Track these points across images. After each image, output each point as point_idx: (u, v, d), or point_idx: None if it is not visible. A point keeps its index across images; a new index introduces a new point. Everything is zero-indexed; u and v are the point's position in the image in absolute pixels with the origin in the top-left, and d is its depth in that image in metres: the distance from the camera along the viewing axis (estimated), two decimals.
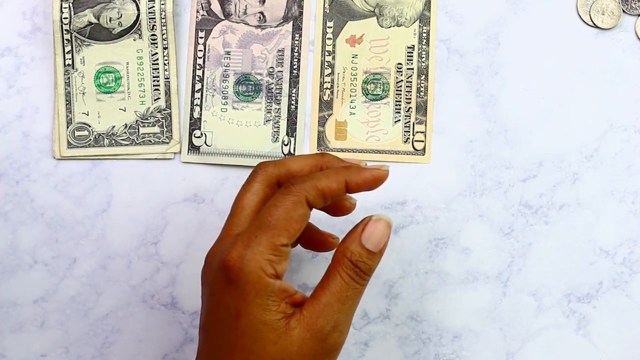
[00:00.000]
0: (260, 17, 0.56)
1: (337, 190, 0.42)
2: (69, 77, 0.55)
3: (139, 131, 0.56)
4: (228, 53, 0.56)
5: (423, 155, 0.56)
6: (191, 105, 0.56)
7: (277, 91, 0.56)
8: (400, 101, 0.56)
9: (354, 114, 0.56)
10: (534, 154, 0.56)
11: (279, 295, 0.40)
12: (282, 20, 0.56)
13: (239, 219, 0.44)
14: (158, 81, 0.56)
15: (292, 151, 0.56)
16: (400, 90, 0.56)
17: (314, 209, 0.43)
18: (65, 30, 0.55)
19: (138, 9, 0.55)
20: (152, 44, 0.56)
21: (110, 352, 0.55)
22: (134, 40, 0.55)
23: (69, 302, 0.55)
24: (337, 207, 0.47)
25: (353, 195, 0.47)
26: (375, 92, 0.56)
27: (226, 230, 0.44)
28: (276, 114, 0.56)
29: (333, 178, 0.42)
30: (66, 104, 0.55)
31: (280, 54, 0.56)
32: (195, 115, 0.56)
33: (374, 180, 0.43)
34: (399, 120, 0.56)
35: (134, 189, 0.56)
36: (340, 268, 0.41)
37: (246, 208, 0.44)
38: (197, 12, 0.56)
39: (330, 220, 0.53)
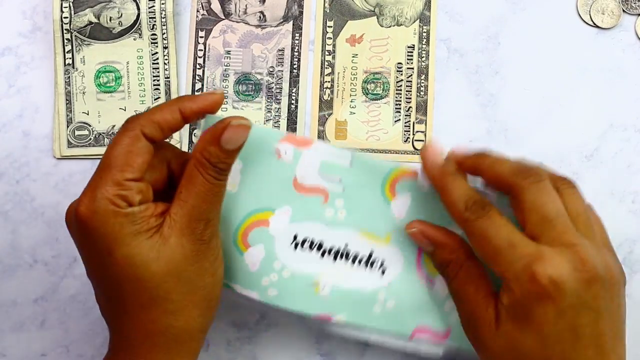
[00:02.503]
0: (260, 17, 0.56)
1: (173, 120, 0.43)
2: (69, 77, 0.56)
3: None
4: (228, 52, 0.56)
5: None
6: None
7: (277, 90, 0.56)
8: (400, 101, 0.56)
9: (354, 113, 0.56)
10: (534, 153, 0.56)
11: (143, 215, 0.41)
12: (282, 20, 0.56)
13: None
14: (158, 81, 0.56)
15: None
16: (401, 90, 0.56)
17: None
18: (66, 29, 0.55)
19: (138, 9, 0.55)
20: (152, 43, 0.56)
21: None
22: (134, 39, 0.55)
23: (69, 301, 0.55)
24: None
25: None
26: (375, 92, 0.56)
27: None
28: (276, 114, 0.56)
29: (167, 109, 0.43)
30: (66, 104, 0.55)
31: (280, 53, 0.56)
32: None
33: (210, 105, 0.44)
34: (399, 119, 0.56)
35: None
36: (201, 169, 0.42)
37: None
38: (197, 11, 0.56)
39: None
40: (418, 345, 0.46)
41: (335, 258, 0.46)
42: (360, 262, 0.46)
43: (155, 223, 0.42)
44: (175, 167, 0.45)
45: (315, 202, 0.45)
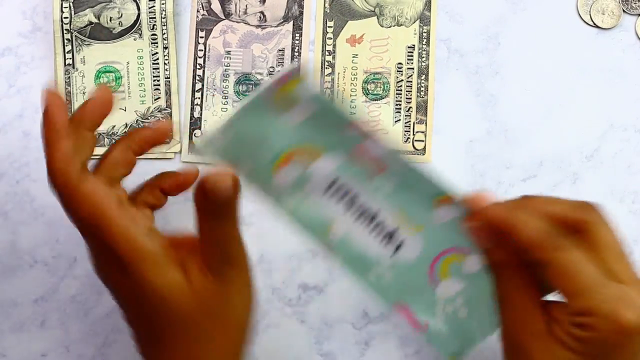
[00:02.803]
0: (260, 17, 0.56)
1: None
2: (69, 77, 0.56)
3: None
4: (228, 53, 0.56)
5: (423, 154, 0.56)
6: (191, 105, 0.56)
7: None
8: (400, 101, 0.56)
9: (354, 113, 0.56)
10: (534, 153, 0.56)
11: (164, 254, 0.42)
12: (282, 20, 0.56)
13: None
14: (158, 81, 0.56)
15: None
16: (401, 90, 0.56)
17: None
18: (66, 29, 0.55)
19: (138, 9, 0.55)
20: (152, 43, 0.56)
21: (111, 352, 0.55)
22: (135, 39, 0.55)
23: (69, 301, 0.55)
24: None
25: None
26: (375, 92, 0.56)
27: None
28: None
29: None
30: (66, 104, 0.55)
31: (280, 53, 0.56)
32: (196, 114, 0.56)
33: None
34: (399, 119, 0.56)
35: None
36: (199, 215, 0.42)
37: None
38: (198, 11, 0.56)
39: None
40: None
41: (359, 217, 0.45)
42: (381, 231, 0.45)
43: (175, 257, 0.42)
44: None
45: (369, 168, 0.44)
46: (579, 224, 0.41)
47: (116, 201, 0.42)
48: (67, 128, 0.42)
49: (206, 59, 0.56)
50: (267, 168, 0.43)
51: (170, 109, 0.56)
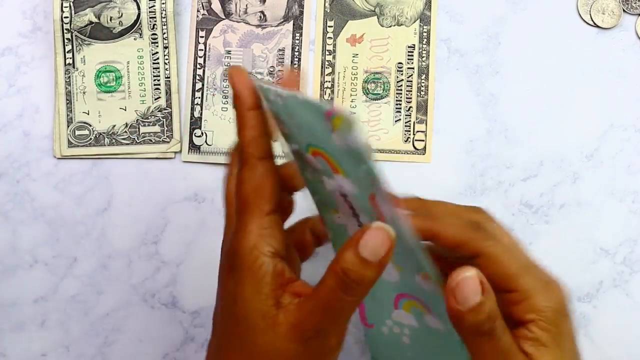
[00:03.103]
0: (260, 17, 0.56)
1: (262, 121, 0.41)
2: (69, 77, 0.55)
3: (139, 130, 0.56)
4: (229, 52, 0.56)
5: (423, 154, 0.56)
6: (192, 104, 0.56)
7: None
8: (400, 100, 0.56)
9: (355, 113, 0.56)
10: (535, 153, 0.56)
11: (273, 278, 0.39)
12: (282, 20, 0.56)
13: (228, 208, 0.43)
14: (159, 80, 0.56)
15: None
16: (401, 90, 0.56)
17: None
18: (66, 29, 0.55)
19: (139, 8, 0.55)
20: (152, 43, 0.56)
21: (111, 352, 0.55)
22: (135, 39, 0.55)
23: (69, 301, 0.55)
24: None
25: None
26: (375, 92, 0.56)
27: (226, 221, 0.43)
28: None
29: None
30: (67, 103, 0.55)
31: (280, 53, 0.56)
32: (196, 114, 0.56)
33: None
34: (400, 119, 0.56)
35: (134, 188, 0.56)
36: (330, 274, 0.38)
37: (231, 193, 0.43)
38: (198, 11, 0.56)
39: None
40: None
41: (358, 226, 0.44)
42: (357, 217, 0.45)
43: (279, 297, 0.39)
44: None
45: (374, 214, 0.44)
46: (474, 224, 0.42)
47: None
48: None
49: (206, 58, 0.56)
50: (304, 143, 0.43)
51: (171, 108, 0.56)
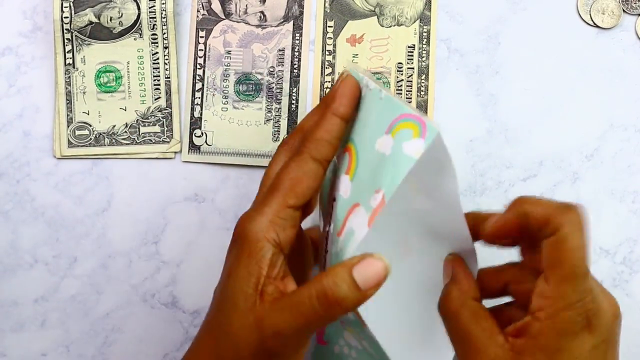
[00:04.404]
0: (260, 17, 0.56)
1: (340, 132, 0.41)
2: (69, 77, 0.56)
3: (139, 130, 0.56)
4: (229, 52, 0.56)
5: None
6: (192, 104, 0.56)
7: (278, 90, 0.56)
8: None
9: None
10: (535, 153, 0.56)
11: (267, 265, 0.39)
12: (282, 20, 0.56)
13: (262, 189, 0.43)
14: (159, 80, 0.56)
15: None
16: (401, 90, 0.56)
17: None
18: (66, 29, 0.55)
19: (139, 9, 0.55)
20: (152, 43, 0.56)
21: (111, 351, 0.55)
22: (135, 39, 0.55)
23: (69, 301, 0.55)
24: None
25: None
26: None
27: (253, 202, 0.43)
28: (277, 114, 0.56)
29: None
30: (67, 103, 0.55)
31: (280, 53, 0.56)
32: (196, 114, 0.56)
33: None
34: None
35: (134, 188, 0.56)
36: (315, 283, 0.38)
37: (271, 177, 0.43)
38: (198, 11, 0.56)
39: None
40: None
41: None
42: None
43: (265, 287, 0.39)
44: None
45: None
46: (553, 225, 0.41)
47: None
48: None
49: (206, 58, 0.56)
50: (348, 137, 0.43)
51: (171, 108, 0.56)
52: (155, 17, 0.55)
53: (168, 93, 0.56)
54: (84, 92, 0.56)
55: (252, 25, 0.56)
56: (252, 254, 0.39)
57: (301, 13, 0.56)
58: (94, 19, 0.55)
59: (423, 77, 0.56)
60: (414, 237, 0.44)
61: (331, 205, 0.43)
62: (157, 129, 0.56)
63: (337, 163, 0.44)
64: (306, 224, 0.47)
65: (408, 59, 0.56)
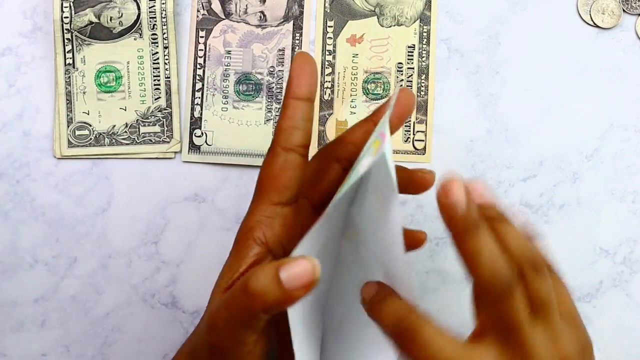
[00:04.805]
0: (260, 17, 0.56)
1: (305, 113, 0.40)
2: (69, 77, 0.56)
3: (139, 130, 0.56)
4: (229, 52, 0.56)
5: (423, 154, 0.56)
6: (192, 104, 0.56)
7: (278, 90, 0.56)
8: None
9: (355, 113, 0.56)
10: (534, 153, 0.56)
11: (248, 264, 0.39)
12: (282, 20, 0.56)
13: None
14: (159, 80, 0.56)
15: None
16: None
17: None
18: (66, 29, 0.55)
19: (139, 9, 0.55)
20: (152, 43, 0.56)
21: (111, 352, 0.55)
22: (135, 39, 0.55)
23: (69, 301, 0.55)
24: (410, 182, 0.44)
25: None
26: (375, 92, 0.56)
27: None
28: (277, 113, 0.56)
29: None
30: (67, 103, 0.55)
31: (280, 53, 0.56)
32: (196, 114, 0.56)
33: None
34: None
35: (134, 188, 0.56)
36: (244, 276, 0.38)
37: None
38: (198, 11, 0.56)
39: None
40: None
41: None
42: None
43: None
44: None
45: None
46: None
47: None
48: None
49: (206, 58, 0.56)
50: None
51: (171, 108, 0.56)
52: (155, 17, 0.55)
53: (168, 93, 0.56)
54: (84, 92, 0.56)
55: (252, 25, 0.56)
56: (239, 252, 0.40)
57: (301, 13, 0.56)
58: (94, 19, 0.55)
59: (423, 77, 0.56)
60: (348, 247, 0.44)
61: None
62: (157, 129, 0.56)
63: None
64: None
65: (408, 59, 0.56)
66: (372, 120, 0.44)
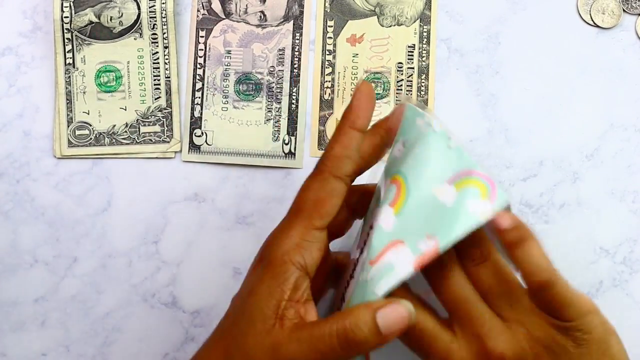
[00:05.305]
0: (261, 16, 0.56)
1: (359, 145, 0.41)
2: (69, 76, 0.56)
3: (139, 130, 0.56)
4: (229, 52, 0.56)
5: None
6: (192, 104, 0.56)
7: (278, 90, 0.56)
8: (400, 100, 0.56)
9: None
10: (535, 153, 0.56)
11: (290, 289, 0.39)
12: (282, 20, 0.56)
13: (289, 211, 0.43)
14: (159, 80, 0.56)
15: (292, 150, 0.56)
16: (401, 90, 0.56)
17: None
18: (66, 29, 0.55)
19: (139, 8, 0.55)
20: (152, 43, 0.56)
21: (111, 351, 0.55)
22: (135, 39, 0.55)
23: (69, 301, 0.55)
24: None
25: None
26: (375, 92, 0.56)
27: (279, 224, 0.43)
28: (277, 113, 0.56)
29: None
30: (67, 103, 0.55)
31: (280, 53, 0.56)
32: (196, 114, 0.56)
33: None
34: None
35: (134, 188, 0.56)
36: (337, 319, 0.38)
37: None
38: (198, 11, 0.56)
39: None
40: None
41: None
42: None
43: (284, 312, 0.39)
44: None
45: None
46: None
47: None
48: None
49: (206, 58, 0.56)
50: (395, 169, 0.43)
51: (171, 108, 0.56)
52: (155, 17, 0.55)
53: (168, 93, 0.56)
54: (84, 92, 0.56)
55: (252, 25, 0.56)
56: (276, 276, 0.39)
57: (301, 13, 0.56)
58: (94, 19, 0.55)
59: (423, 76, 0.56)
60: None
61: (366, 233, 0.43)
62: (157, 128, 0.56)
63: (380, 191, 0.43)
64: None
65: (408, 59, 0.56)
66: (378, 134, 0.43)
